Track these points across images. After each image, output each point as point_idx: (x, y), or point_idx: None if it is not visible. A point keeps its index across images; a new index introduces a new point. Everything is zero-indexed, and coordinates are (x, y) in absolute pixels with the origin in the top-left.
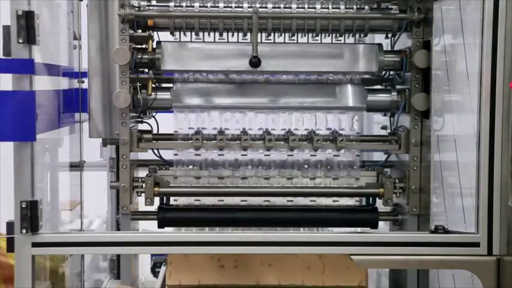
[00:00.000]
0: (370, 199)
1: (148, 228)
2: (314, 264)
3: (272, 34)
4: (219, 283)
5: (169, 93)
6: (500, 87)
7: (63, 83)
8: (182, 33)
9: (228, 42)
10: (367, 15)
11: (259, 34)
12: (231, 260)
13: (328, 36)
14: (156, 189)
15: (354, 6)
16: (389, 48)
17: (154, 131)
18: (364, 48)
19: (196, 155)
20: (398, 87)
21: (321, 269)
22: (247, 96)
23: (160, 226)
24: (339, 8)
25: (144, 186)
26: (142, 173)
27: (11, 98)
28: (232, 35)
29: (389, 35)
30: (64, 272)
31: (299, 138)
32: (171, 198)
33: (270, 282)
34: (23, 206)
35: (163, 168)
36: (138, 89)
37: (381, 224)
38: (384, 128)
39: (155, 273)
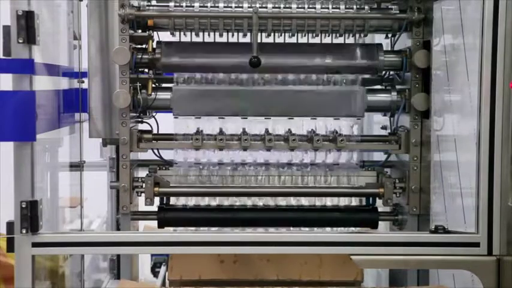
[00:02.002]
0: (370, 199)
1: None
2: (311, 260)
3: (272, 34)
4: (219, 278)
5: (169, 93)
6: (500, 87)
7: (63, 83)
8: (182, 33)
9: (228, 43)
10: (367, 15)
11: (259, 34)
12: (230, 255)
13: (328, 36)
14: (156, 189)
15: (354, 6)
16: (389, 48)
17: (154, 131)
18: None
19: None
20: (398, 87)
21: (317, 264)
22: (247, 100)
23: (160, 226)
24: (339, 8)
25: (144, 186)
26: (142, 173)
27: (11, 98)
28: (232, 35)
29: (389, 35)
30: (64, 272)
31: (299, 138)
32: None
33: (269, 277)
34: (23, 206)
35: (163, 168)
36: (138, 89)
37: (380, 224)
38: (384, 128)
39: (155, 273)
